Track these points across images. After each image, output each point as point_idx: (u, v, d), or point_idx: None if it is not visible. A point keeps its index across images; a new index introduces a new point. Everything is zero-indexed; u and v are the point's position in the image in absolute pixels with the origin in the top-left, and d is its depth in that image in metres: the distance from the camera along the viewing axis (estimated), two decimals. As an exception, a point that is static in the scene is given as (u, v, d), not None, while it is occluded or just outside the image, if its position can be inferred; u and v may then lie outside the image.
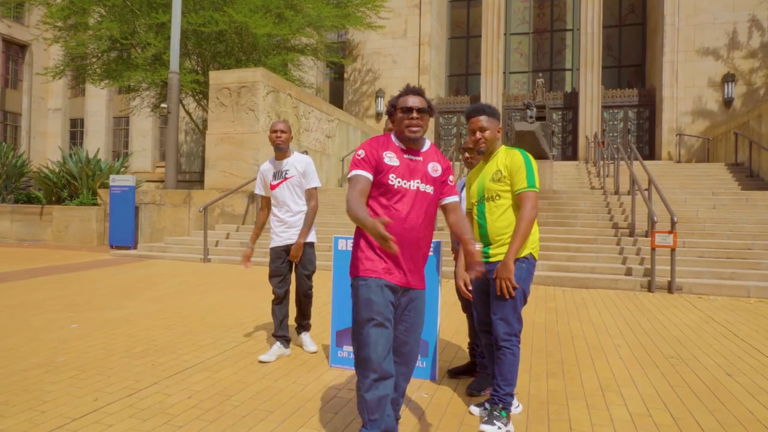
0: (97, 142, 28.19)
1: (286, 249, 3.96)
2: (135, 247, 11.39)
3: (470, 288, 2.94)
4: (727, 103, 18.11)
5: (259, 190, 4.11)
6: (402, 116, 2.29)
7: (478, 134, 2.79)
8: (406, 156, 2.30)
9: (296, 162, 4.02)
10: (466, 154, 3.47)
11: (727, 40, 18.18)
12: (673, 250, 7.06)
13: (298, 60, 19.56)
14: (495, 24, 20.39)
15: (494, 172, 2.75)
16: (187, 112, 19.11)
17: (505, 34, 21.66)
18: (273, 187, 3.99)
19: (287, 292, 4.00)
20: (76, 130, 29.65)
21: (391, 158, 2.27)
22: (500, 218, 2.72)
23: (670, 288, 7.14)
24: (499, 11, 20.23)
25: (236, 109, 11.84)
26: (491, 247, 2.76)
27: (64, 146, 29.32)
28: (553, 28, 22.38)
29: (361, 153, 2.29)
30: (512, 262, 2.63)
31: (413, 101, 2.30)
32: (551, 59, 22.46)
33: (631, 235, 8.86)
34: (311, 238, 4.01)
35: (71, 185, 12.92)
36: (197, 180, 24.71)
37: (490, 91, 20.37)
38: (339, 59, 20.38)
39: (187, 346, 4.23)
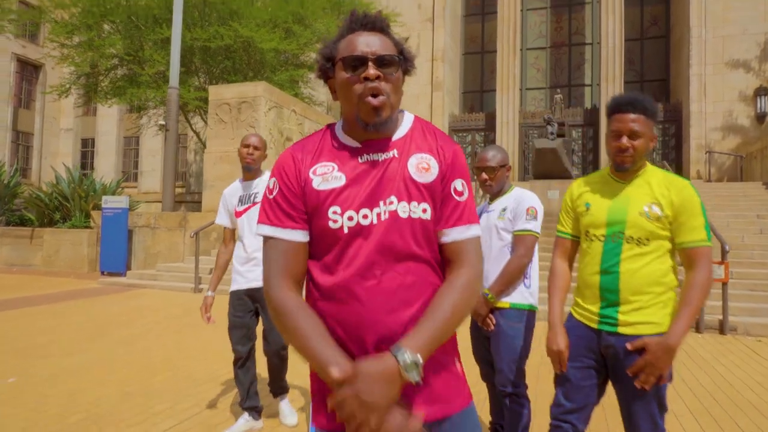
0: (107, 162, 27.90)
1: (252, 293, 3.12)
2: (126, 274, 10.66)
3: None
4: (760, 118, 17.04)
5: (221, 220, 3.26)
6: (348, 78, 1.15)
7: (626, 141, 1.85)
8: (362, 159, 1.18)
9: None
10: (484, 175, 2.64)
11: (758, 51, 17.19)
12: (724, 284, 6.08)
13: (307, 77, 19.00)
14: (511, 38, 19.66)
15: (649, 203, 1.87)
16: (195, 131, 18.59)
17: (521, 49, 20.90)
18: (238, 214, 3.19)
19: (253, 350, 3.16)
20: (87, 150, 29.45)
21: (327, 176, 1.17)
22: (644, 269, 1.84)
23: (722, 328, 6.15)
24: (515, 25, 19.52)
25: (236, 126, 11.15)
26: (621, 309, 1.87)
27: (74, 166, 29.07)
28: (571, 42, 21.59)
29: (273, 184, 1.21)
30: (678, 347, 1.76)
31: (367, 43, 1.15)
32: (569, 74, 21.61)
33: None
34: None
35: (64, 207, 12.30)
36: (205, 200, 24.16)
37: (506, 108, 19.56)
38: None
39: (135, 415, 3.38)
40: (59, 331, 5.83)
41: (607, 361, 1.94)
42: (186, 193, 25.48)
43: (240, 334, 3.11)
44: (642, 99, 1.88)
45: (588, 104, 20.78)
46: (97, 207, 11.77)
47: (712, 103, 17.50)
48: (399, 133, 1.22)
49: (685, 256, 1.86)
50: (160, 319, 6.65)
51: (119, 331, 5.87)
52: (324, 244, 1.15)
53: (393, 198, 1.14)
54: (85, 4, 15.58)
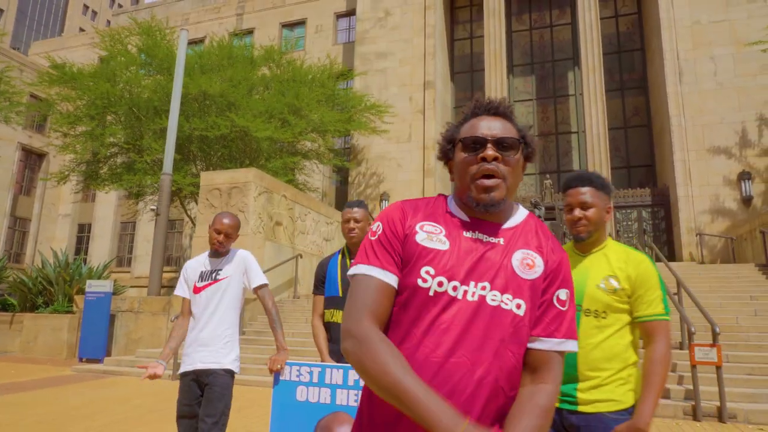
0: (102, 247, 27.93)
1: (197, 377, 2.92)
2: (104, 360, 10.26)
3: None
4: (746, 201, 17.30)
5: (180, 291, 3.11)
6: (465, 158, 1.18)
7: (578, 212, 1.92)
8: (468, 234, 1.16)
9: (234, 259, 3.12)
10: None
11: (737, 138, 17.81)
12: (718, 367, 5.83)
13: (302, 164, 19.53)
14: (499, 127, 20.41)
15: (606, 276, 1.88)
16: (189, 217, 18.79)
17: (509, 137, 21.65)
18: (197, 290, 3.05)
19: None
20: (83, 235, 29.58)
21: (432, 236, 1.15)
22: (602, 345, 1.83)
23: (720, 416, 5.81)
24: (502, 115, 20.33)
25: (226, 211, 11.26)
26: (579, 387, 1.82)
27: (70, 250, 29.05)
28: (558, 130, 22.44)
29: (378, 228, 1.20)
30: (649, 429, 1.73)
31: (488, 126, 1.19)
32: (558, 161, 22.25)
33: (663, 347, 7.61)
34: (233, 364, 2.99)
35: (47, 291, 12.10)
36: (197, 285, 23.89)
37: (497, 193, 19.90)
38: (343, 163, 20.34)
39: None
40: (15, 426, 5.48)
41: None
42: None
43: (186, 424, 2.89)
44: (590, 174, 1.98)
45: (577, 189, 21.16)
46: (81, 291, 11.59)
47: (698, 187, 17.86)
48: (510, 223, 1.21)
49: (643, 330, 1.86)
50: (128, 409, 6.29)
51: (82, 424, 5.52)
52: (407, 300, 1.13)
53: (487, 283, 1.11)
54: (90, 96, 16.34)
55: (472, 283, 1.10)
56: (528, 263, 1.15)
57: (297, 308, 11.48)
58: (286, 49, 21.40)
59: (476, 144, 1.17)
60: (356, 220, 3.02)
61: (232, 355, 2.98)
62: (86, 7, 68.01)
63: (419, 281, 1.11)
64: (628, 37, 22.35)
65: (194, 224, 18.29)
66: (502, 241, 1.17)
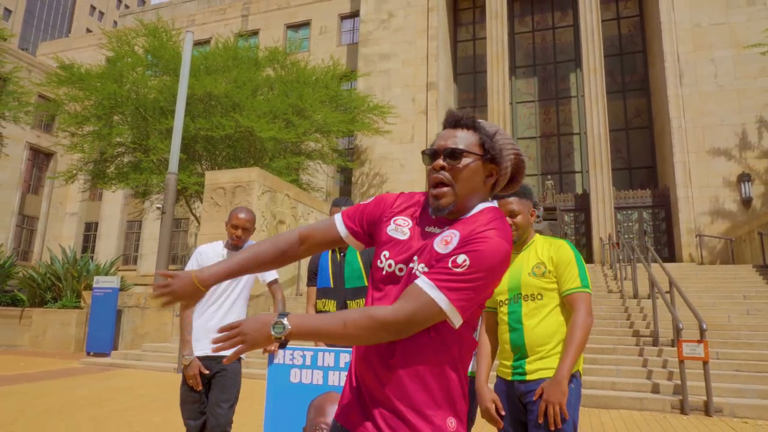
0: (109, 245, 28.26)
1: (205, 363, 3.06)
2: (111, 354, 10.51)
3: (502, 413, 2.20)
4: (746, 202, 17.41)
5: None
6: (428, 167, 1.36)
7: (508, 220, 2.14)
8: (429, 228, 1.32)
9: None
10: None
11: (737, 140, 17.92)
12: (705, 362, 6.01)
13: (306, 164, 19.75)
14: (501, 128, 20.56)
15: (535, 264, 2.21)
16: (195, 215, 19.06)
17: (511, 138, 21.83)
18: None
19: (206, 425, 3.04)
20: (90, 234, 29.93)
21: (399, 228, 1.35)
22: (542, 323, 2.15)
23: (707, 410, 5.98)
24: (505, 117, 20.54)
25: (230, 209, 11.49)
26: (528, 360, 2.15)
27: (77, 249, 29.40)
28: (560, 132, 22.58)
29: (371, 199, 1.48)
30: (567, 381, 2.02)
31: (445, 138, 1.33)
32: (560, 162, 22.40)
33: (654, 344, 7.80)
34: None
35: (56, 287, 12.37)
36: (202, 283, 24.15)
37: (499, 193, 20.05)
38: (346, 163, 20.57)
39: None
40: (24, 412, 5.72)
41: (527, 410, 2.12)
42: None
43: (191, 408, 3.03)
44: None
45: (579, 190, 21.33)
46: (89, 287, 11.85)
47: (698, 188, 17.97)
48: (466, 215, 1.31)
49: (568, 303, 2.15)
50: (134, 398, 6.52)
51: (89, 411, 5.76)
52: (371, 277, 1.38)
53: (416, 258, 1.28)
54: (97, 97, 16.62)
55: (412, 265, 1.27)
56: (446, 239, 1.26)
57: (299, 305, 11.70)
58: (291, 50, 21.66)
59: (431, 156, 1.32)
60: (245, 229, 3.18)
61: None
62: (93, 8, 68.55)
63: (378, 261, 1.35)
64: (629, 39, 22.47)
65: (199, 223, 18.54)
66: (448, 230, 1.31)
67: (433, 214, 1.30)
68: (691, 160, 18.18)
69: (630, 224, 19.57)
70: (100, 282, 10.90)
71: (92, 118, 16.98)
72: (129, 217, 28.43)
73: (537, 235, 2.36)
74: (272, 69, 19.72)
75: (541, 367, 2.11)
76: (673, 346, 7.61)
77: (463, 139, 1.31)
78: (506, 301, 2.25)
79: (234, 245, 3.19)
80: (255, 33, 27.87)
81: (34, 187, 29.28)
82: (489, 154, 1.32)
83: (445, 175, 1.28)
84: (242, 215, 3.17)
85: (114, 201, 28.57)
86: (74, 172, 18.42)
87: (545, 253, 2.22)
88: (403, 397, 1.22)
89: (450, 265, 1.20)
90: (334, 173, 23.98)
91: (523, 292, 2.20)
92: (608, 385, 6.73)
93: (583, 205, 19.99)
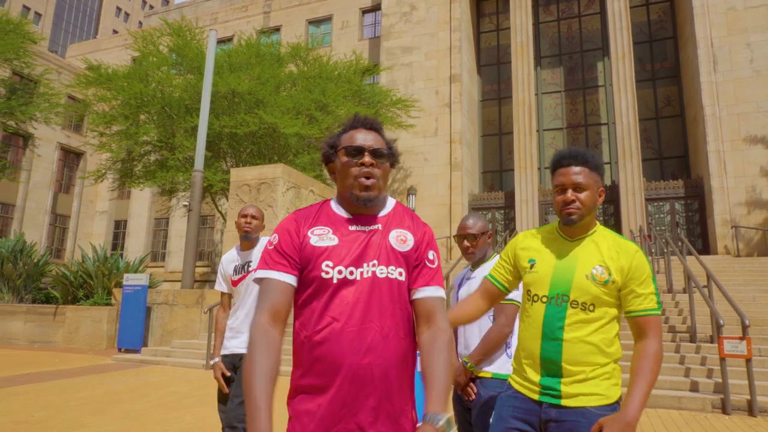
0: (137, 242, 28.82)
1: (233, 362, 3.12)
2: (141, 351, 10.68)
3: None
4: (785, 192, 16.76)
5: (219, 286, 3.34)
6: (347, 162, 1.44)
7: (571, 194, 1.77)
8: (353, 227, 1.43)
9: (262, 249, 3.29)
10: (465, 243, 2.64)
11: (775, 127, 17.23)
12: (748, 360, 5.76)
13: (329, 159, 19.73)
14: (526, 121, 20.24)
15: (596, 265, 1.76)
16: (220, 212, 19.25)
17: (537, 131, 21.47)
18: (234, 283, 3.26)
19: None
20: (119, 231, 30.55)
21: (323, 236, 1.41)
22: (588, 339, 1.72)
23: (750, 409, 5.74)
24: (530, 109, 20.18)
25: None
26: (564, 380, 1.73)
27: (107, 246, 30.04)
28: (587, 122, 22.08)
29: (274, 238, 1.44)
30: (636, 423, 1.61)
31: (365, 138, 1.45)
32: (587, 153, 21.89)
33: (692, 340, 7.54)
34: None
35: (87, 284, 12.62)
36: (228, 279, 24.44)
37: (525, 187, 19.76)
38: (370, 158, 20.46)
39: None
40: (62, 407, 5.81)
41: None
42: (211, 273, 25.88)
43: (223, 408, 3.09)
44: (584, 152, 1.83)
45: (608, 181, 20.85)
46: (119, 285, 12.05)
47: (734, 178, 17.37)
48: (383, 212, 1.49)
49: (636, 325, 1.74)
50: (165, 394, 6.58)
51: (123, 407, 5.82)
52: (314, 289, 1.38)
53: (375, 261, 1.38)
54: (124, 97, 16.87)
55: (365, 264, 1.38)
56: (401, 239, 1.44)
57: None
58: (313, 45, 21.62)
59: (356, 152, 1.43)
60: (253, 216, 3.26)
61: None
62: (119, 9, 69.79)
63: (322, 274, 1.36)
64: (659, 25, 21.80)
65: (225, 219, 18.72)
66: (380, 226, 1.45)
67: (363, 203, 1.42)
68: (725, 149, 17.57)
69: (661, 216, 19.05)
70: (130, 279, 11.07)
71: (119, 117, 17.25)
72: (156, 215, 28.92)
73: (599, 225, 1.89)
74: (294, 65, 19.73)
75: (582, 392, 1.70)
76: (712, 342, 7.35)
77: (379, 141, 1.47)
78: (544, 299, 1.80)
79: (245, 232, 3.22)
80: (277, 29, 27.95)
81: (65, 187, 30.00)
82: (395, 157, 1.51)
83: (373, 170, 1.42)
84: (251, 209, 3.26)
85: (142, 199, 29.09)
86: (103, 171, 18.77)
87: (613, 257, 1.77)
88: (400, 399, 1.37)
89: (428, 263, 1.46)
90: (358, 168, 23.90)
91: (573, 295, 1.75)
92: (645, 383, 6.50)
93: (611, 196, 19.52)
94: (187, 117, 16.49)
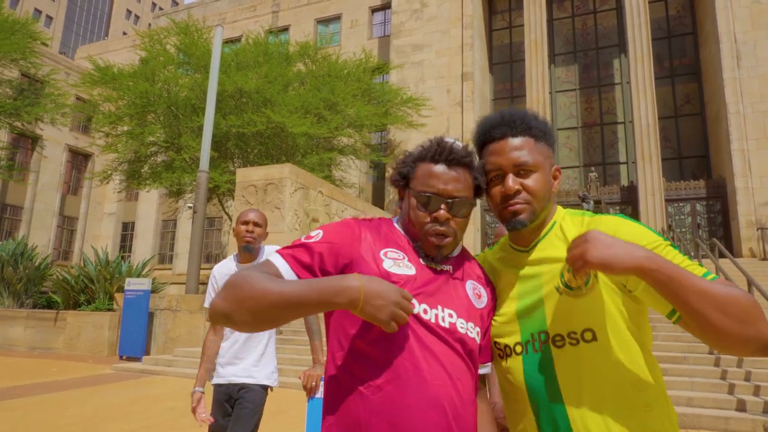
0: (145, 244, 28.55)
1: (229, 392, 2.65)
2: (143, 359, 10.25)
3: None
4: (814, 193, 16.06)
5: (209, 301, 2.86)
6: (419, 211, 1.18)
7: (513, 181, 1.19)
8: (423, 260, 1.20)
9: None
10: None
11: (803, 125, 16.55)
12: (804, 378, 5.19)
13: (338, 160, 19.31)
14: (541, 119, 19.65)
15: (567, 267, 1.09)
16: (227, 214, 18.86)
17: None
18: None
19: None
20: (127, 233, 30.33)
21: (398, 262, 1.15)
22: (602, 388, 1.12)
23: (806, 432, 5.16)
24: (544, 107, 19.60)
25: (262, 207, 11.07)
26: None
27: (114, 248, 29.82)
28: (602, 121, 21.47)
29: (317, 234, 1.16)
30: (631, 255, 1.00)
31: (444, 182, 1.16)
32: (603, 153, 21.30)
33: (731, 352, 6.94)
34: (270, 379, 2.70)
35: (89, 289, 12.24)
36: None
37: (540, 187, 19.18)
38: (379, 158, 20.03)
39: None
40: (52, 425, 5.37)
41: None
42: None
43: None
44: (523, 114, 1.23)
45: (625, 182, 20.22)
46: (121, 289, 11.66)
47: (759, 178, 16.69)
48: (453, 253, 1.24)
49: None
50: (161, 411, 6.12)
51: (114, 426, 5.36)
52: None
53: (452, 311, 1.14)
54: (130, 96, 16.55)
55: (440, 307, 1.14)
56: (477, 293, 1.23)
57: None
58: (321, 44, 21.20)
59: (431, 199, 1.17)
60: (256, 224, 2.83)
61: (269, 368, 2.72)
62: (129, 11, 70.00)
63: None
64: (678, 21, 21.15)
65: (231, 221, 18.33)
66: (451, 269, 1.21)
67: (431, 260, 1.20)
68: (750, 148, 16.90)
69: (682, 218, 18.39)
70: (132, 284, 10.65)
71: (125, 117, 16.94)
72: (164, 217, 28.63)
73: (560, 208, 1.28)
74: (303, 64, 19.33)
75: None
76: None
77: (465, 183, 1.19)
78: (517, 349, 1.20)
79: (247, 243, 2.73)
80: (285, 29, 27.60)
81: (73, 188, 29.82)
82: (481, 189, 1.23)
83: (449, 226, 1.18)
84: (251, 214, 2.80)
85: (149, 201, 28.83)
86: (109, 172, 18.46)
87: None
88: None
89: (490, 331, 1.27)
90: (367, 169, 23.47)
91: (552, 328, 1.16)
92: (683, 401, 5.95)
93: (630, 197, 18.89)
94: (193, 117, 16.14)
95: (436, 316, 1.12)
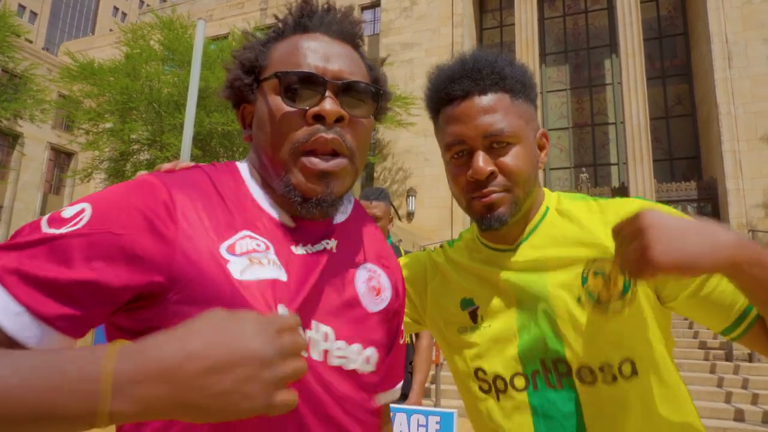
0: (129, 245, 28.05)
1: None
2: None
3: None
4: (805, 194, 15.97)
5: None
6: (286, 112, 0.70)
7: (483, 161, 0.88)
8: (296, 248, 0.70)
9: None
10: None
11: (794, 126, 16.45)
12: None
13: (325, 159, 19.01)
14: (531, 119, 19.46)
15: (589, 267, 0.84)
16: (211, 213, 18.48)
17: (542, 129, 20.70)
18: None
19: None
20: (111, 234, 29.79)
21: (256, 257, 0.65)
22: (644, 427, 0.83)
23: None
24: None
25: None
26: None
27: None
28: (593, 121, 21.31)
29: (82, 216, 0.63)
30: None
31: (325, 55, 0.71)
32: (594, 153, 21.13)
33: (728, 359, 6.71)
34: None
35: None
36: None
37: (530, 187, 18.99)
38: (368, 158, 19.73)
39: None
40: None
41: None
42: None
43: None
44: (492, 60, 0.94)
45: (616, 183, 20.06)
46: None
47: (750, 179, 16.56)
48: (341, 216, 0.81)
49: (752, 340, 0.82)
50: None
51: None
52: None
53: (328, 330, 0.70)
54: (110, 92, 16.12)
55: (314, 325, 0.69)
56: (374, 286, 0.78)
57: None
58: (310, 41, 20.79)
59: (306, 87, 0.69)
60: (376, 218, 2.28)
61: None
62: (116, 9, 69.20)
63: None
64: (669, 21, 21.05)
65: (216, 222, 17.92)
66: (333, 246, 0.75)
67: (314, 207, 0.70)
68: (741, 149, 16.77)
69: (673, 219, 18.26)
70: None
71: (106, 114, 16.50)
72: (149, 217, 28.14)
73: (549, 193, 0.99)
74: (290, 60, 19.00)
75: None
76: (750, 361, 6.52)
77: (357, 65, 0.77)
78: (521, 386, 0.89)
79: None
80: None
81: (55, 188, 29.23)
82: (383, 99, 0.83)
83: (344, 135, 0.72)
84: None
85: (134, 200, 28.35)
86: (90, 170, 17.97)
87: (601, 231, 0.86)
88: None
89: (398, 337, 0.82)
90: (356, 169, 23.17)
91: (575, 359, 0.86)
92: (680, 411, 5.67)
93: (621, 199, 18.73)
94: (176, 114, 15.74)
95: (308, 343, 0.67)
